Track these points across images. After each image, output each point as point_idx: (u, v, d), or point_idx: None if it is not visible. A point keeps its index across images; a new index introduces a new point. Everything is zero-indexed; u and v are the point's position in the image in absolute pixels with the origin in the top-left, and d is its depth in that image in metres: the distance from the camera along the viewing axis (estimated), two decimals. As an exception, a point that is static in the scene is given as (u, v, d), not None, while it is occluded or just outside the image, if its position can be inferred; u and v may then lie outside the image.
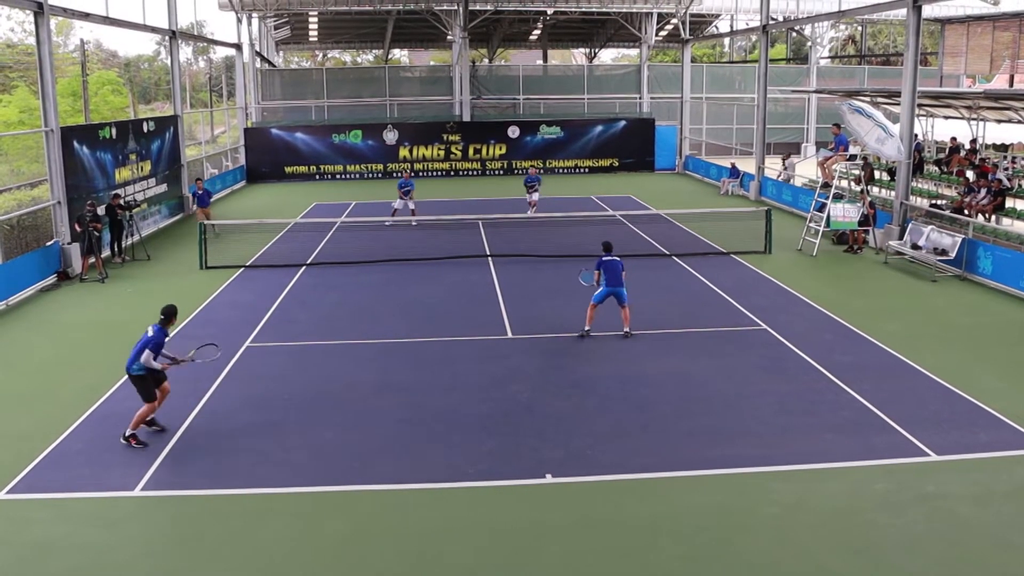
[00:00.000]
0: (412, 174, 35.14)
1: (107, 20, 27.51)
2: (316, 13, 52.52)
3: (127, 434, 11.74)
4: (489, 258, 23.54)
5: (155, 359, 11.77)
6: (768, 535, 9.35)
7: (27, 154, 43.74)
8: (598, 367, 14.76)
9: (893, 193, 26.55)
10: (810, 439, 11.69)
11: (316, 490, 10.46)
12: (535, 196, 30.19)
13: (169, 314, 12.35)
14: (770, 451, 11.32)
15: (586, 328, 16.27)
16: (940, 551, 8.97)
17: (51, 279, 21.70)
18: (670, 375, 14.33)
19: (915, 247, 22.23)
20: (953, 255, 20.99)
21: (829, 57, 68.18)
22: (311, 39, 65.25)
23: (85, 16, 26.07)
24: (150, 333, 12.04)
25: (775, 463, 10.95)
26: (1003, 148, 36.68)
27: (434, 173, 44.61)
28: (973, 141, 32.82)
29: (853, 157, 25.05)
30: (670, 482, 10.57)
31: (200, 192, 28.54)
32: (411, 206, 29.38)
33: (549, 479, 10.63)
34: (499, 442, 11.73)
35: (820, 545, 9.09)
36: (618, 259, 16.25)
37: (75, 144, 23.71)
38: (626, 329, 16.31)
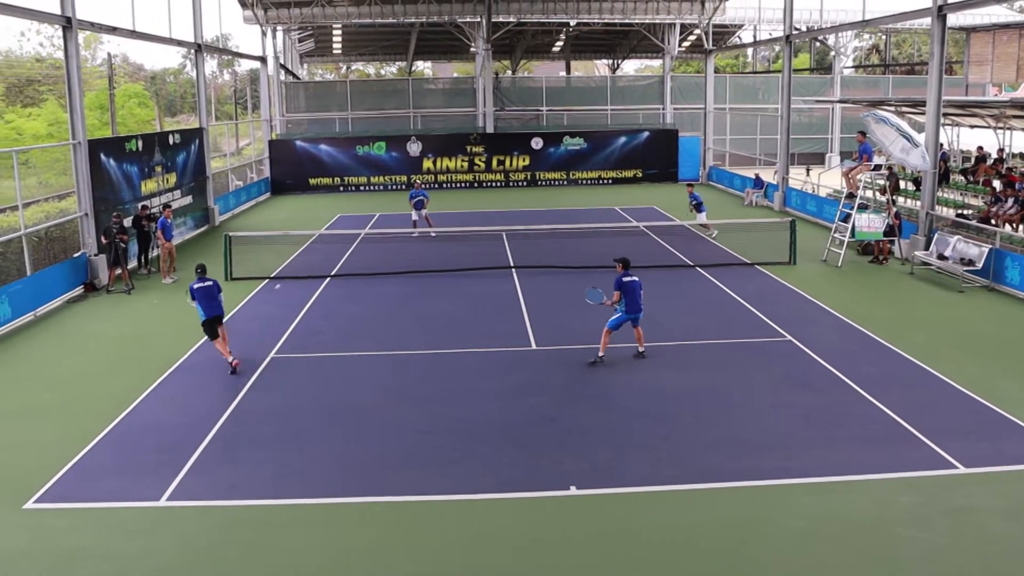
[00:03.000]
0: (423, 184, 34.77)
1: (134, 34, 27.80)
2: (340, 26, 52.90)
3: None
4: (513, 269, 23.55)
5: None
6: (793, 548, 9.27)
7: (55, 166, 44.27)
8: (622, 378, 14.72)
9: (919, 203, 26.37)
10: (835, 451, 11.60)
11: (339, 501, 10.47)
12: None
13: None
14: (795, 463, 11.24)
15: (600, 355, 15.43)
16: (969, 566, 8.86)
17: (78, 290, 21.89)
18: (694, 386, 14.27)
19: (941, 257, 22.05)
20: (980, 265, 20.80)
21: (853, 67, 67.84)
22: (335, 51, 65.61)
23: (112, 30, 26.37)
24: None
25: (800, 475, 10.87)
26: (1030, 157, 36.35)
27: (458, 185, 44.72)
28: (1000, 150, 32.58)
29: (878, 167, 24.91)
30: (695, 494, 10.51)
31: (169, 222, 24.12)
32: (424, 215, 29.46)
33: (573, 491, 10.60)
34: (522, 454, 11.71)
35: (846, 559, 9.01)
36: (638, 279, 15.51)
37: (102, 156, 23.96)
38: (640, 349, 15.72)
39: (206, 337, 15.69)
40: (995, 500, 10.12)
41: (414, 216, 29.52)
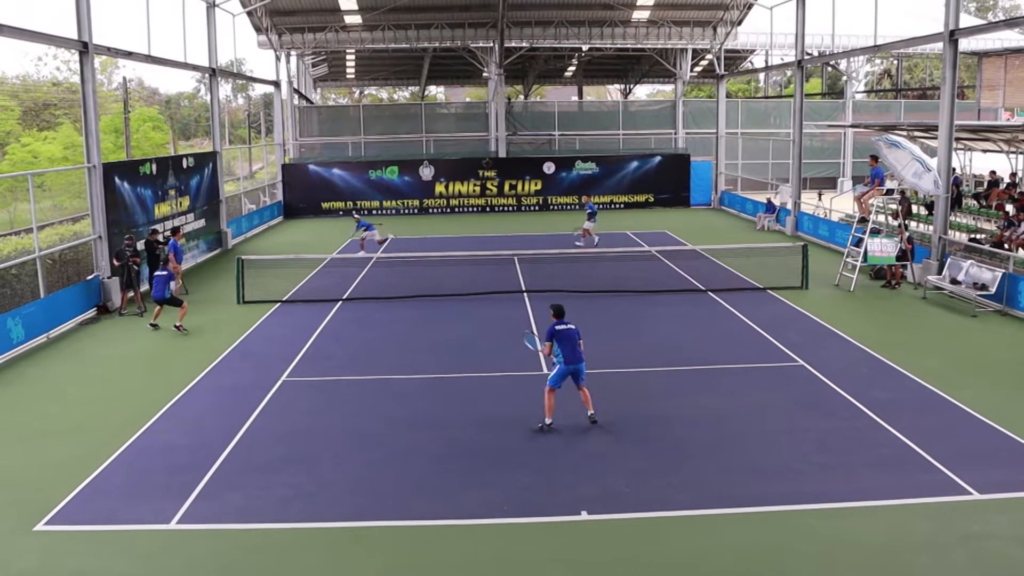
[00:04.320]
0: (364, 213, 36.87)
1: (149, 59, 28.04)
2: (353, 51, 53.24)
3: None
4: (525, 294, 23.54)
5: None
6: (808, 575, 9.19)
7: (70, 189, 44.63)
8: (633, 403, 14.66)
9: (931, 227, 26.29)
10: (849, 477, 11.52)
11: (350, 525, 10.43)
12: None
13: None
14: (808, 488, 11.16)
15: (547, 421, 13.38)
16: (985, 593, 8.77)
17: (91, 313, 21.98)
18: (706, 411, 14.20)
19: (954, 282, 21.96)
20: (993, 290, 20.71)
21: (865, 91, 67.94)
22: (348, 76, 66.10)
23: (128, 55, 26.61)
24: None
25: (814, 501, 10.78)
26: (1044, 182, 36.21)
27: (470, 209, 44.83)
28: (1013, 175, 32.49)
29: (890, 191, 24.86)
30: (707, 520, 10.44)
31: (180, 245, 24.36)
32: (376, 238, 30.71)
33: (585, 516, 10.55)
34: (534, 479, 11.66)
35: (861, 586, 8.92)
36: (574, 327, 13.73)
37: (116, 180, 24.12)
38: (590, 412, 13.61)
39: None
40: (1012, 527, 10.02)
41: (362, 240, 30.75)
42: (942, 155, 24.19)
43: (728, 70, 48.31)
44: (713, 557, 9.59)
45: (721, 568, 9.37)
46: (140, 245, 24.11)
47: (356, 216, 33.15)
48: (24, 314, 18.93)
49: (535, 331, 14.70)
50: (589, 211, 31.86)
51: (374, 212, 44.11)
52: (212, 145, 34.65)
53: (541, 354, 14.46)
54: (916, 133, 33.01)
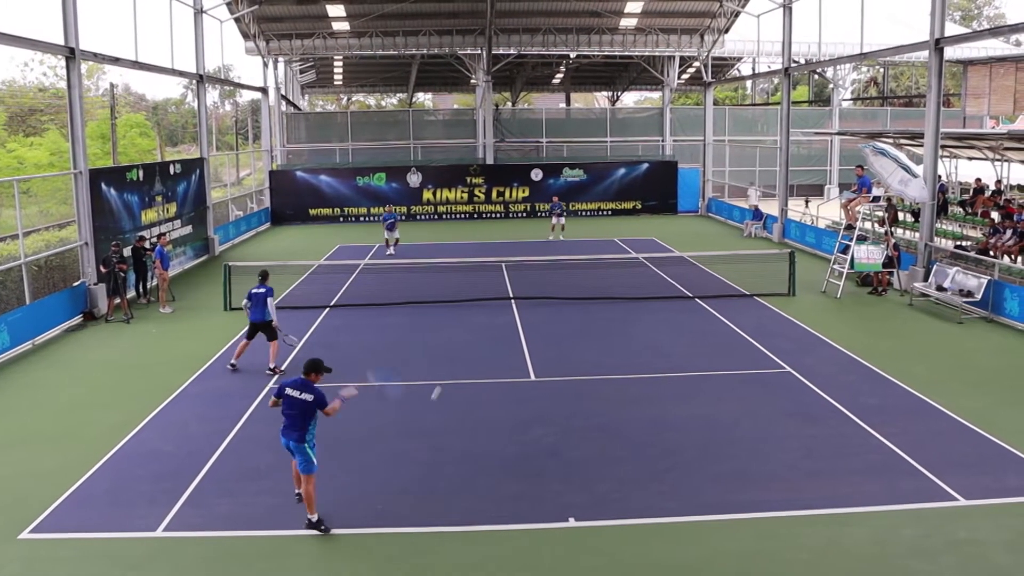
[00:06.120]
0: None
1: (136, 64, 27.97)
2: (341, 58, 53.22)
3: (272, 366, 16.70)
4: (512, 300, 23.54)
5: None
6: (795, 581, 9.21)
7: (56, 195, 44.39)
8: (622, 410, 14.65)
9: (917, 235, 26.40)
10: (838, 483, 11.54)
11: (338, 532, 10.39)
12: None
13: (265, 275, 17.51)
14: (798, 495, 11.17)
15: (310, 516, 10.48)
16: (972, 599, 8.79)
17: (77, 319, 21.88)
18: (695, 418, 14.21)
19: (940, 289, 22.06)
20: (979, 297, 20.81)
21: (851, 99, 68.24)
22: (336, 83, 66.09)
23: (115, 61, 26.53)
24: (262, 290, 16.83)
25: (803, 507, 10.79)
26: (1028, 189, 36.43)
27: (457, 216, 44.84)
28: (998, 182, 32.68)
29: (877, 199, 24.95)
30: (697, 527, 10.44)
31: (167, 251, 24.37)
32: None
33: (572, 523, 10.53)
34: (523, 486, 11.64)
35: (848, 592, 8.94)
36: (311, 399, 10.67)
37: (103, 186, 24.02)
38: (297, 490, 11.03)
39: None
40: (998, 532, 10.06)
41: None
42: (928, 162, 24.31)
43: (715, 77, 48.50)
44: (702, 564, 9.59)
45: (710, 575, 9.37)
46: (127, 251, 24.01)
47: (386, 221, 33.42)
48: (9, 320, 18.82)
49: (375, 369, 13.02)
50: (558, 210, 36.60)
51: (362, 219, 44.07)
52: (199, 151, 34.56)
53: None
54: (902, 140, 33.17)
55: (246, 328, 17.39)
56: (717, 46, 46.12)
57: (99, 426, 14.16)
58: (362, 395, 15.67)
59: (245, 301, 17.21)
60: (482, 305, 23.05)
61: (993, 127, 45.33)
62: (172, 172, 30.14)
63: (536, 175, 45.00)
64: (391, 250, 32.79)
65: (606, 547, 9.97)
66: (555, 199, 38.46)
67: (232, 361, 17.26)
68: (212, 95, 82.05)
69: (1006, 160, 32.67)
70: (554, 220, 36.49)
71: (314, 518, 10.35)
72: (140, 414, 14.61)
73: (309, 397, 10.49)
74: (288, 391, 10.54)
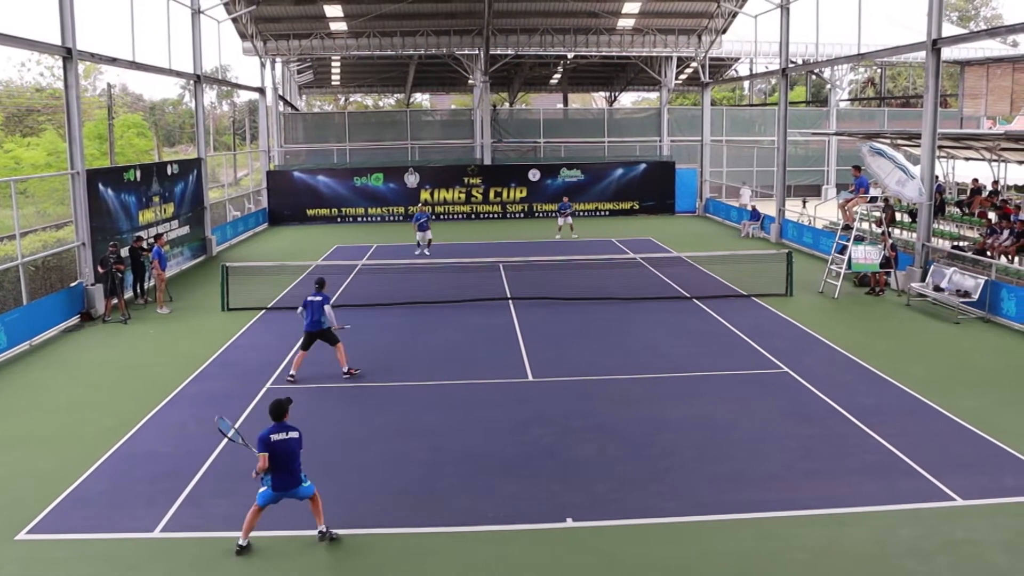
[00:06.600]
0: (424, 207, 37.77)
1: (134, 65, 27.94)
2: (339, 58, 53.20)
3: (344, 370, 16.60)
4: (510, 301, 23.54)
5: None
6: (793, 581, 9.22)
7: (53, 196, 44.36)
8: (620, 411, 14.66)
9: (914, 235, 26.43)
10: (835, 483, 11.55)
11: (336, 532, 10.38)
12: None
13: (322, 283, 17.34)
14: (796, 495, 11.18)
15: (241, 543, 10.07)
16: (969, 599, 8.80)
17: (74, 320, 21.87)
18: (692, 419, 14.22)
19: (937, 289, 22.09)
20: (976, 297, 20.84)
21: (849, 99, 68.33)
22: (334, 83, 66.05)
23: (112, 61, 26.51)
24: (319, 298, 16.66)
25: (801, 507, 10.80)
26: (1025, 189, 36.51)
27: (455, 216, 44.83)
28: (995, 182, 32.72)
29: (874, 199, 24.98)
30: (694, 527, 10.45)
31: (164, 252, 24.22)
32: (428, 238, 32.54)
33: (569, 523, 10.54)
34: (521, 486, 11.64)
35: (846, 592, 8.94)
36: (297, 435, 10.29)
37: (100, 186, 24.00)
38: (320, 528, 10.31)
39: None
40: (995, 533, 10.07)
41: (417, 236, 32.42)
42: (925, 163, 24.34)
43: (713, 78, 48.54)
44: (700, 564, 9.59)
45: (708, 575, 9.37)
46: (124, 252, 23.99)
47: (417, 220, 33.14)
48: (7, 321, 18.81)
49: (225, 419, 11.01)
50: (567, 210, 36.83)
51: (359, 219, 44.07)
52: (197, 152, 34.53)
53: (256, 470, 10.14)
54: (900, 141, 33.20)
55: (301, 339, 16.99)
56: (715, 47, 46.11)
57: (97, 426, 14.15)
58: (362, 396, 15.71)
59: (300, 308, 16.87)
60: (480, 305, 23.04)
61: (990, 127, 45.33)
62: (169, 172, 30.12)
63: (534, 175, 44.99)
64: (425, 250, 32.19)
65: (604, 547, 9.98)
66: (565, 199, 38.31)
67: (291, 372, 16.64)
68: (209, 95, 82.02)
69: (1003, 160, 32.71)
70: (560, 221, 36.55)
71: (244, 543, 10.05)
72: (138, 415, 14.60)
73: (295, 433, 10.22)
74: (273, 438, 10.05)
